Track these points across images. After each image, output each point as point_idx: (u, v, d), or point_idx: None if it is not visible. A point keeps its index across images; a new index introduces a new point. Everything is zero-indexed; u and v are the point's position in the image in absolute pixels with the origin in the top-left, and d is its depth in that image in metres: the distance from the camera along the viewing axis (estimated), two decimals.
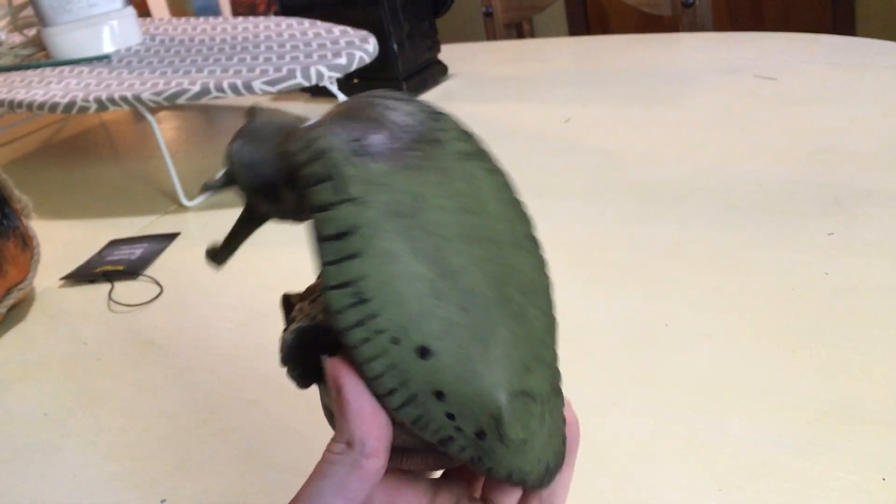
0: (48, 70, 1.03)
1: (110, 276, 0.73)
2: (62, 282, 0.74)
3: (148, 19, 1.26)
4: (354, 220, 0.26)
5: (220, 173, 0.32)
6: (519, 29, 1.60)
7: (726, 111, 0.84)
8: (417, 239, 0.26)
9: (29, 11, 1.20)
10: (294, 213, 0.31)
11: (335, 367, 0.26)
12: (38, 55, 1.15)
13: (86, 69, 1.00)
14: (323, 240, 0.26)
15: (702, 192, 0.68)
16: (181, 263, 0.74)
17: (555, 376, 0.28)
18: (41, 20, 1.06)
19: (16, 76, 1.04)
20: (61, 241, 0.83)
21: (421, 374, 0.26)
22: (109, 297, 0.69)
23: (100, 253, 0.78)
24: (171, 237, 0.79)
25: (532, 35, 1.72)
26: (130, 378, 0.57)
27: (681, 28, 1.29)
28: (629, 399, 0.46)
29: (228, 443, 0.49)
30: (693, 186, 0.69)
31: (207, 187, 0.33)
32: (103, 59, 1.04)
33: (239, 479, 0.46)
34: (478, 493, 0.30)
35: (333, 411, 0.27)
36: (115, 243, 0.80)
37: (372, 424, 0.26)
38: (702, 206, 0.65)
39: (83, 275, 0.74)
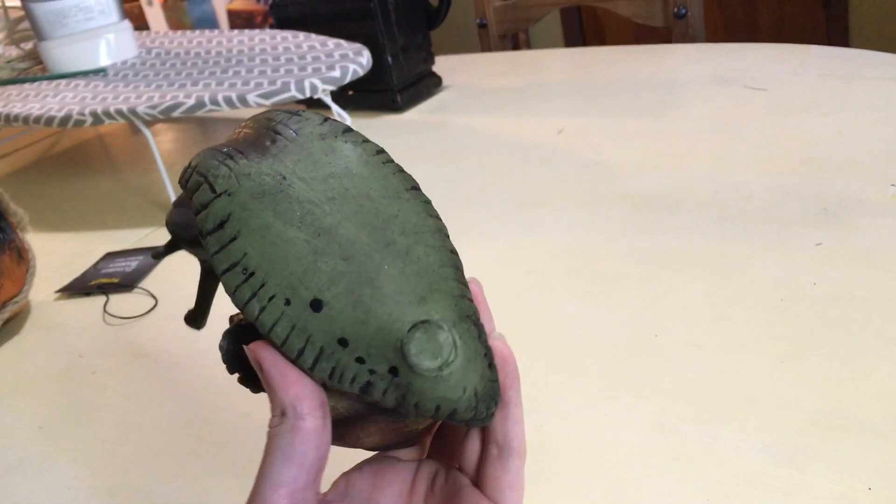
0: (45, 83, 1.04)
1: (105, 289, 0.73)
2: (57, 294, 0.74)
3: (144, 32, 1.26)
4: (227, 209, 0.28)
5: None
6: (515, 40, 1.61)
7: (717, 121, 0.85)
8: (287, 210, 0.28)
9: (26, 25, 1.21)
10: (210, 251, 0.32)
11: (252, 350, 0.28)
12: (34, 69, 1.16)
13: (82, 82, 1.00)
14: (206, 234, 0.29)
15: (693, 202, 0.68)
16: (176, 276, 0.74)
17: (460, 305, 0.29)
18: (38, 34, 1.07)
19: (12, 89, 1.04)
20: (57, 253, 0.84)
21: (320, 326, 0.27)
22: (104, 310, 0.70)
23: (95, 265, 0.79)
24: None
25: (528, 46, 1.73)
26: (125, 391, 0.58)
27: (673, 39, 1.30)
28: (619, 408, 0.46)
29: (222, 455, 0.49)
30: (684, 196, 0.70)
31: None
32: (99, 72, 1.04)
33: (232, 492, 0.46)
34: (456, 465, 0.31)
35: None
36: (110, 256, 0.81)
37: (297, 386, 0.27)
38: (693, 216, 0.66)
39: (78, 287, 0.75)
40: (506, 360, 0.29)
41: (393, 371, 0.27)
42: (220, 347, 0.30)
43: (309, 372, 0.27)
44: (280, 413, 0.27)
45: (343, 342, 0.27)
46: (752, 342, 0.50)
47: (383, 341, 0.27)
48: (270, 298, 0.27)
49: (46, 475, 0.50)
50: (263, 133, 0.32)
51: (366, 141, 0.32)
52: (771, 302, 0.53)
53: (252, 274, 0.28)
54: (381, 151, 0.32)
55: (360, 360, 0.27)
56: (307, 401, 0.27)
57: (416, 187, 0.31)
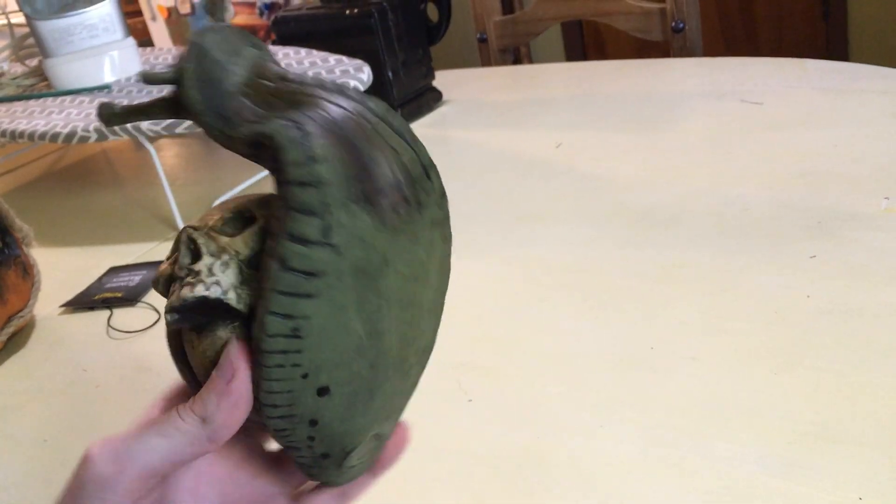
0: (50, 100, 1.05)
1: (109, 303, 0.74)
2: (62, 309, 0.75)
3: (148, 49, 1.28)
4: (325, 266, 0.26)
5: (168, 68, 0.29)
6: (516, 53, 1.62)
7: (714, 136, 0.86)
8: (368, 301, 0.28)
9: (31, 42, 1.22)
10: (230, 146, 0.29)
11: (238, 357, 0.28)
12: (39, 85, 1.17)
13: (86, 99, 1.01)
14: (286, 270, 0.26)
15: (689, 215, 0.69)
16: None
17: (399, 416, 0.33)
18: (43, 51, 1.08)
19: (18, 106, 1.05)
20: (62, 268, 0.85)
21: (309, 406, 0.28)
22: (108, 324, 0.70)
23: (99, 280, 0.80)
24: None
25: (530, 60, 1.74)
26: (129, 405, 0.58)
27: (672, 53, 1.32)
28: (615, 421, 0.47)
29: None
30: (681, 210, 0.70)
31: (147, 78, 0.30)
32: (104, 88, 1.05)
33: None
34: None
35: (199, 375, 0.29)
36: (114, 270, 0.81)
37: (237, 417, 0.28)
38: (689, 230, 0.67)
39: (83, 302, 0.75)
40: (397, 444, 0.34)
41: (324, 456, 0.30)
42: (184, 298, 0.28)
43: (262, 413, 0.28)
44: (202, 417, 0.28)
45: (313, 423, 0.29)
46: (747, 355, 0.51)
47: (340, 441, 0.30)
48: (294, 366, 0.27)
49: (51, 489, 0.51)
50: (395, 172, 0.29)
51: (449, 236, 0.33)
52: (766, 315, 0.54)
53: (298, 338, 0.27)
54: (449, 251, 0.33)
55: (310, 439, 0.29)
56: (229, 431, 0.28)
57: (444, 297, 0.33)
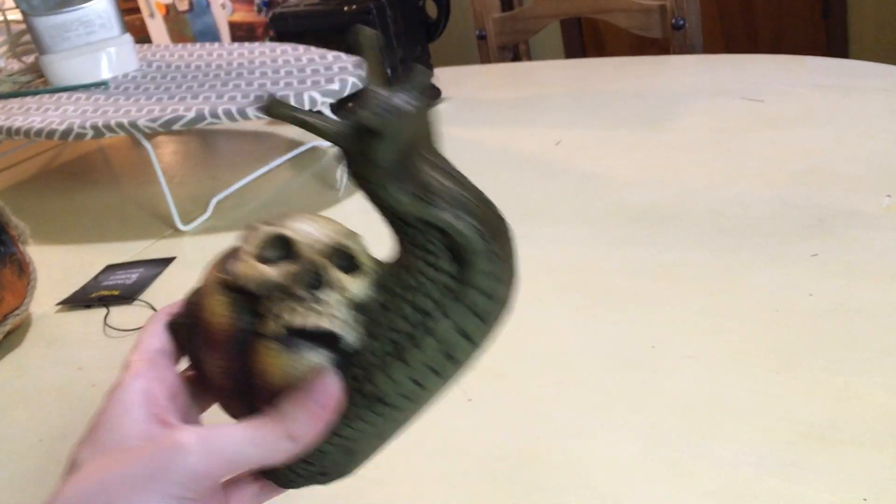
0: (46, 97, 1.05)
1: (106, 301, 0.74)
2: (58, 307, 0.75)
3: (145, 46, 1.27)
4: (469, 359, 0.34)
5: (375, 115, 0.30)
6: (516, 51, 1.62)
7: (713, 133, 0.86)
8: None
9: (28, 38, 1.22)
10: (385, 208, 0.32)
11: (336, 390, 0.31)
12: (36, 82, 1.17)
13: (83, 96, 1.01)
14: (447, 357, 0.32)
15: (689, 214, 0.69)
16: (176, 288, 0.75)
17: None
18: (39, 47, 1.08)
19: (14, 103, 1.05)
20: (58, 266, 0.84)
21: (362, 444, 0.33)
22: (105, 323, 0.70)
23: (96, 278, 0.79)
24: (166, 262, 0.80)
25: (529, 57, 1.73)
26: None
27: (672, 50, 1.31)
28: (615, 420, 0.47)
29: None
30: (680, 209, 0.70)
31: (339, 111, 0.30)
32: (100, 85, 1.05)
33: None
34: None
35: (263, 381, 0.31)
36: (111, 268, 0.81)
37: (316, 441, 0.31)
38: (689, 229, 0.66)
39: (79, 300, 0.75)
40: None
41: (322, 475, 0.34)
42: (279, 338, 0.31)
43: None
44: (289, 435, 0.31)
45: (349, 452, 0.33)
46: (746, 354, 0.50)
47: (346, 469, 0.35)
48: (387, 418, 0.33)
49: (45, 488, 0.50)
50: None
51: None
52: (766, 313, 0.54)
53: (409, 400, 0.32)
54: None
55: (332, 463, 0.34)
56: (302, 452, 0.32)
57: None
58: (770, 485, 0.40)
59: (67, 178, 1.20)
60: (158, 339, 0.35)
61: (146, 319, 0.68)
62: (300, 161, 1.05)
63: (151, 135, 1.30)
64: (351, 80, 0.85)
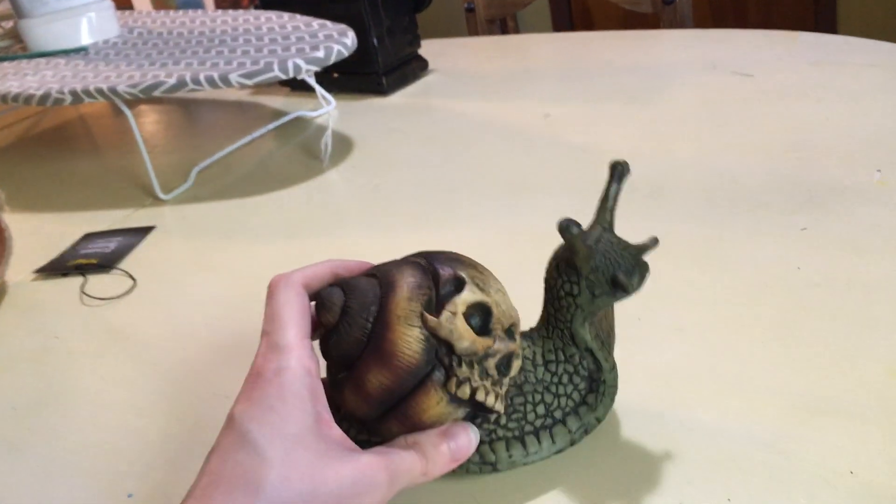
0: (24, 62, 1.02)
1: (84, 270, 0.72)
2: (35, 275, 0.73)
3: (126, 12, 1.25)
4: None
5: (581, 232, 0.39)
6: (503, 25, 1.60)
7: (703, 108, 0.85)
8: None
9: (6, 3, 1.19)
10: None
11: (470, 453, 0.38)
12: (14, 47, 1.14)
13: (62, 61, 0.99)
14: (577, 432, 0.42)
15: (679, 187, 0.68)
16: (156, 257, 0.73)
17: None
18: (18, 12, 1.05)
19: None
20: (35, 234, 0.83)
21: None
22: (82, 291, 0.69)
23: (74, 246, 0.78)
24: (146, 230, 0.79)
25: (516, 31, 1.72)
26: (101, 372, 0.57)
27: (661, 25, 1.30)
28: None
29: (200, 439, 0.48)
30: (670, 182, 0.69)
31: (569, 225, 0.38)
32: (80, 51, 1.03)
33: None
34: None
35: (413, 416, 0.37)
36: (89, 237, 0.79)
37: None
38: (678, 201, 0.65)
39: (56, 268, 0.73)
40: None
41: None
42: (454, 403, 0.37)
43: None
44: (423, 472, 0.36)
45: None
46: (735, 326, 0.50)
47: None
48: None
49: (19, 457, 0.49)
50: None
51: None
52: (755, 286, 0.53)
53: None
54: None
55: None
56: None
57: None
58: (758, 457, 0.40)
59: (46, 146, 1.17)
60: (300, 310, 0.36)
61: (124, 289, 0.67)
62: (284, 131, 1.03)
63: (132, 103, 1.28)
64: (336, 47, 0.84)
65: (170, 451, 0.48)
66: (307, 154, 0.93)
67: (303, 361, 0.34)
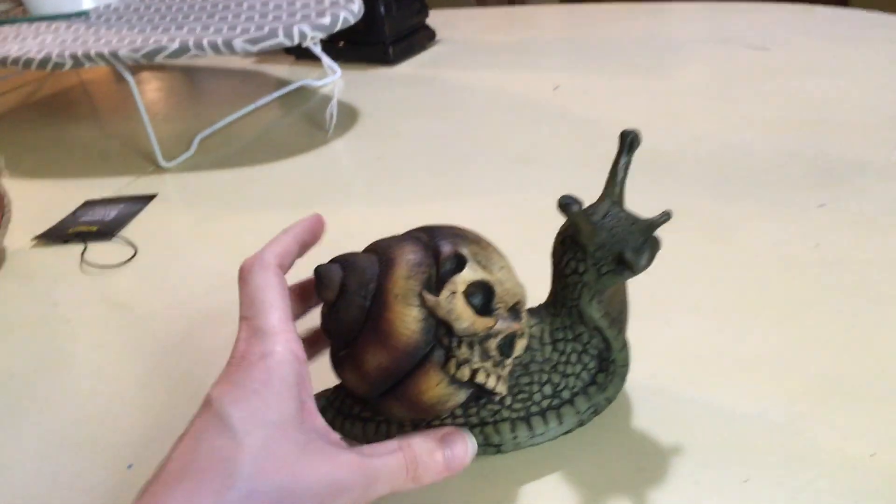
0: (24, 26, 1.00)
1: (84, 237, 0.71)
2: (34, 242, 0.72)
3: None
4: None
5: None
6: None
7: (716, 81, 0.83)
8: None
9: None
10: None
11: (466, 465, 0.36)
12: (14, 11, 1.12)
13: (63, 25, 0.97)
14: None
15: (692, 161, 0.66)
16: (157, 225, 0.72)
17: None
18: None
19: None
20: (34, 201, 0.81)
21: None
22: (82, 259, 0.67)
23: (74, 213, 0.76)
24: (147, 199, 0.77)
25: (525, 2, 1.69)
26: (101, 340, 0.56)
27: None
28: None
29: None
30: (682, 156, 0.67)
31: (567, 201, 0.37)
32: (81, 15, 1.01)
33: None
34: None
35: (415, 402, 0.35)
36: (89, 204, 0.78)
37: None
38: (691, 177, 0.64)
39: (56, 235, 0.72)
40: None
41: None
42: (454, 387, 0.35)
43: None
44: (413, 478, 0.34)
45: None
46: (751, 304, 0.48)
47: None
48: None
49: (16, 425, 0.48)
50: None
51: None
52: (772, 263, 0.52)
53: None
54: None
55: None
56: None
57: None
58: (775, 439, 0.38)
59: (47, 113, 1.16)
60: (280, 293, 0.34)
61: (124, 257, 0.66)
62: (288, 100, 1.01)
63: (135, 69, 1.26)
64: (343, 14, 0.82)
65: (170, 421, 0.47)
66: (311, 124, 0.92)
67: (290, 346, 0.33)
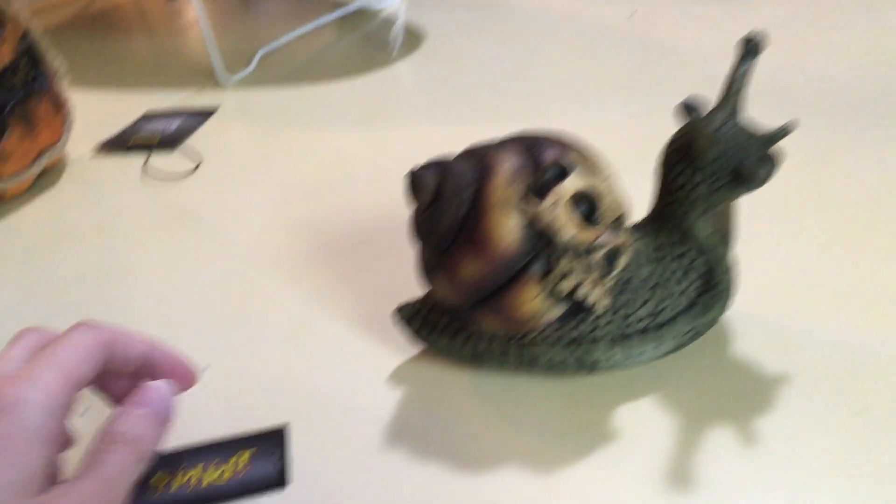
0: None
1: (145, 148, 0.69)
2: (95, 152, 0.71)
3: None
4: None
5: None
6: None
7: (808, 9, 0.78)
8: None
9: None
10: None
11: None
12: None
13: None
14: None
15: (783, 91, 0.63)
16: (219, 139, 0.70)
17: None
18: None
19: None
20: (94, 111, 0.80)
21: None
22: (144, 169, 0.66)
23: (134, 124, 0.75)
24: (208, 113, 0.76)
25: None
26: (168, 248, 0.54)
27: None
28: None
29: (270, 317, 0.46)
30: (773, 85, 0.64)
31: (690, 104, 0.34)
32: None
33: (284, 353, 0.43)
34: None
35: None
36: (150, 116, 0.76)
37: None
38: (783, 105, 0.61)
39: (117, 145, 0.71)
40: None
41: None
42: (555, 296, 0.34)
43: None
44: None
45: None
46: (858, 235, 0.46)
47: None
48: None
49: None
50: None
51: None
52: (879, 195, 0.49)
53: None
54: None
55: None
56: None
57: None
58: (890, 370, 0.36)
59: (102, 27, 1.14)
60: (85, 368, 0.29)
61: (185, 169, 0.64)
62: (349, 21, 0.98)
63: None
64: None
65: (240, 327, 0.45)
66: (373, 45, 0.89)
67: (54, 396, 0.28)
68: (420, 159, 0.39)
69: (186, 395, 0.39)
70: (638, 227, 0.38)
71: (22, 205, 0.62)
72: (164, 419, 0.31)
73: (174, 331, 0.46)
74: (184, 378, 0.34)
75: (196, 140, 0.70)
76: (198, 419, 0.39)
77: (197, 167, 0.65)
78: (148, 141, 0.70)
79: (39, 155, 0.63)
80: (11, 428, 0.26)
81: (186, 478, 0.36)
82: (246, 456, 0.36)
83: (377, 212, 0.55)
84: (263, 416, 0.39)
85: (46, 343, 0.30)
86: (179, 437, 0.37)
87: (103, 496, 0.27)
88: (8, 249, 0.56)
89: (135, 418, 0.30)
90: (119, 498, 0.28)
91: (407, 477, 0.35)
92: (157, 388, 0.32)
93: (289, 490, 0.35)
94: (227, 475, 0.35)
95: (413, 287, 0.44)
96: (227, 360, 0.43)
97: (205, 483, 0.35)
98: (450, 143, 0.61)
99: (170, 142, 0.70)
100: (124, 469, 0.29)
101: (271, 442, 0.37)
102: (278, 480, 0.35)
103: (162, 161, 0.67)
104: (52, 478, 0.28)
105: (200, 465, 0.36)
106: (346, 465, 0.35)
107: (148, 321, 0.47)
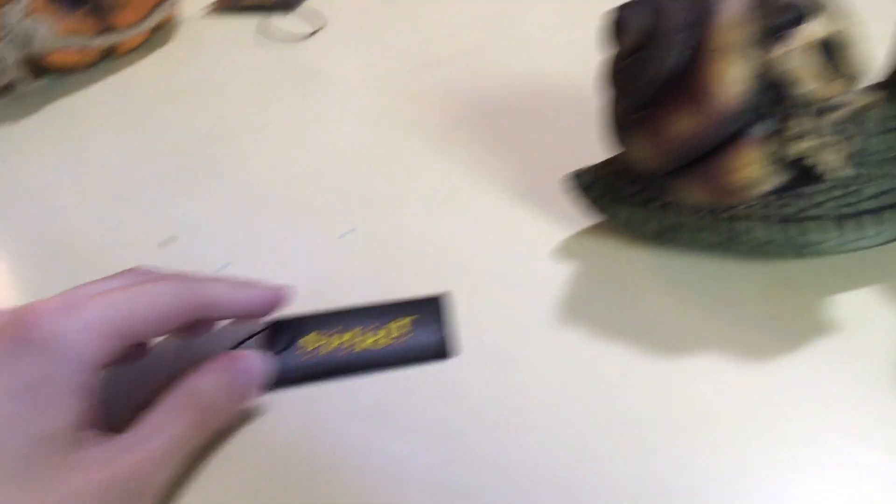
0: None
1: (261, 9, 0.65)
2: (208, 11, 0.67)
3: None
4: None
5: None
6: None
7: None
8: None
9: None
10: None
11: None
12: None
13: None
14: None
15: None
16: (342, 0, 0.65)
17: None
18: None
19: None
20: None
21: None
22: (262, 29, 0.62)
23: None
24: None
25: None
26: (292, 111, 0.51)
27: None
28: None
29: (417, 182, 0.42)
30: None
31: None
32: None
33: (434, 221, 0.39)
34: None
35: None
36: None
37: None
38: None
39: (232, 4, 0.67)
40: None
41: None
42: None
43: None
44: None
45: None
46: None
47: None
48: None
49: (220, 183, 0.44)
50: None
51: None
52: None
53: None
54: None
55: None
56: None
57: None
58: None
59: None
60: (145, 328, 0.27)
61: (306, 30, 0.60)
62: None
63: None
64: None
65: (383, 191, 0.42)
66: None
67: (92, 343, 0.25)
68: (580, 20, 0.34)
69: (331, 261, 0.36)
70: (874, 89, 0.33)
71: (135, 61, 0.59)
72: (244, 395, 0.29)
73: (310, 194, 0.42)
74: (266, 309, 0.31)
75: (317, 1, 0.66)
76: (346, 283, 0.36)
77: (320, 29, 0.60)
78: (263, 1, 0.66)
79: (151, 10, 0.59)
80: (51, 367, 0.23)
81: (339, 341, 0.32)
82: (406, 322, 0.33)
83: (525, 80, 0.50)
84: (417, 285, 0.35)
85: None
86: (329, 301, 0.34)
87: (161, 464, 0.25)
88: (126, 102, 0.53)
89: (217, 387, 0.28)
90: (175, 465, 0.26)
91: (585, 357, 0.31)
92: (248, 360, 0.29)
93: (453, 362, 0.31)
94: (382, 342, 0.32)
95: (568, 159, 0.39)
96: (372, 225, 0.39)
97: (358, 349, 0.32)
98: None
99: (289, 2, 0.65)
100: (190, 437, 0.27)
101: (432, 309, 0.33)
102: (439, 351, 0.32)
103: (281, 21, 0.63)
104: (95, 426, 0.25)
105: (357, 329, 0.33)
106: (514, 340, 0.32)
107: (278, 181, 0.44)
